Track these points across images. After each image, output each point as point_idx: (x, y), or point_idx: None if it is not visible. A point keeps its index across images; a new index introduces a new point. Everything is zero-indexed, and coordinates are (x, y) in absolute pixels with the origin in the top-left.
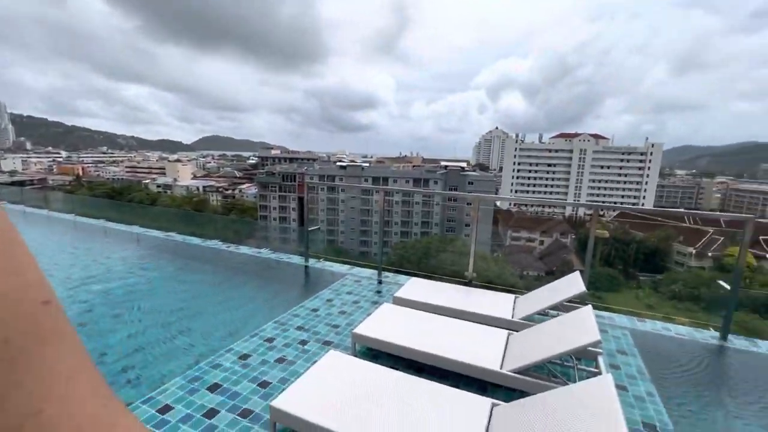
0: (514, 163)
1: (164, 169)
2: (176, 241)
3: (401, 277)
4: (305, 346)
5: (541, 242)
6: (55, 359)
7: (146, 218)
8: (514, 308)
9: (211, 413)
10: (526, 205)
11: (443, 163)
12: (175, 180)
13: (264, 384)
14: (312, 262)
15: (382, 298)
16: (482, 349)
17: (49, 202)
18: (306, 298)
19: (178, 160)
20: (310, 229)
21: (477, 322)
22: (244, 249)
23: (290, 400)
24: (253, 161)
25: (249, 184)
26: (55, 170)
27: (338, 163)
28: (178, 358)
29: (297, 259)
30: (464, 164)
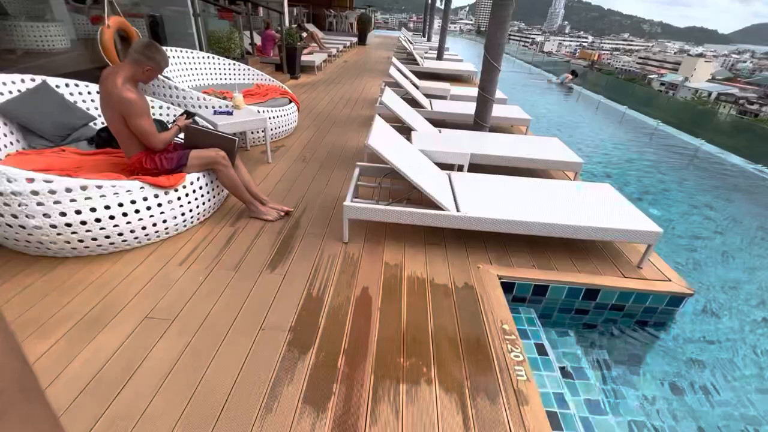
0: None
1: (679, 64)
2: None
3: None
4: None
5: None
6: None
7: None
8: None
9: None
10: None
11: None
12: (686, 79)
13: None
14: None
15: None
16: None
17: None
18: None
19: (700, 55)
20: None
21: None
22: None
23: None
24: None
25: None
26: (577, 54)
27: None
28: None
29: None
30: None
